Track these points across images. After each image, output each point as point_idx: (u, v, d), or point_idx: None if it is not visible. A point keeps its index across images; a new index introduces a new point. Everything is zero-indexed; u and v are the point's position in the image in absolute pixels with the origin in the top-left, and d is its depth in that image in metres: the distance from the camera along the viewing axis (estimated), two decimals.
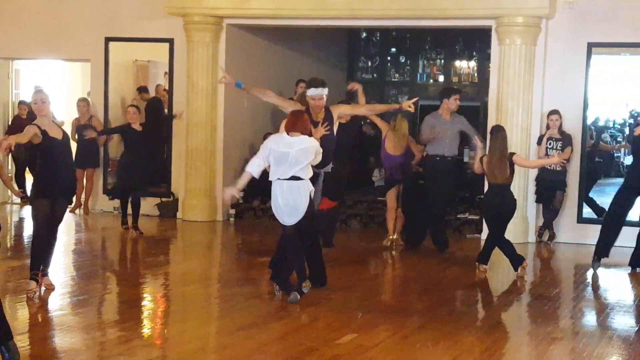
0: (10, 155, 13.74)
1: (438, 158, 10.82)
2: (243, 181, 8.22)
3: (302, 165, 7.97)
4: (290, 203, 7.99)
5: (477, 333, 7.30)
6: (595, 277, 9.86)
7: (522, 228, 11.82)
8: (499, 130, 9.63)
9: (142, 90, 14.44)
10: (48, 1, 13.96)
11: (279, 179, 8.01)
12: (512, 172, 9.57)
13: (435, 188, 10.85)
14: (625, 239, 10.21)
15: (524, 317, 8.25)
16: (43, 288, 8.10)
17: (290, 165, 7.95)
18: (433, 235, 11.09)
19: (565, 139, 11.69)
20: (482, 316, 8.31)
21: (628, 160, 13.13)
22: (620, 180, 10.98)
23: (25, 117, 13.67)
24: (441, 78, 16.80)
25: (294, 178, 7.97)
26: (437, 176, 10.82)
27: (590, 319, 8.25)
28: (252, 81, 13.79)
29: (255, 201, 13.38)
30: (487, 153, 9.61)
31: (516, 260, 9.64)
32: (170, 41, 13.47)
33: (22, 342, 6.35)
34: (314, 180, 8.27)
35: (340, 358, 6.41)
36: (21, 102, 14.56)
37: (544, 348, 6.92)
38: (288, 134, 8.07)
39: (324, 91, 8.49)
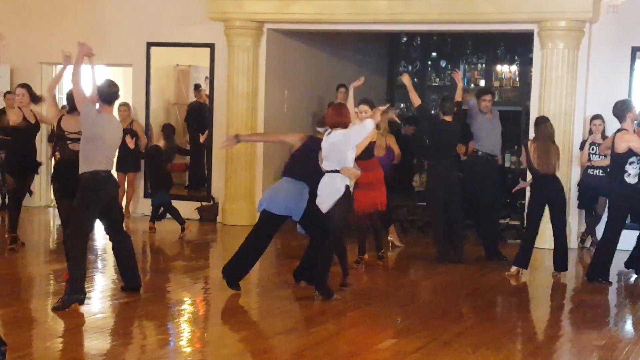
0: None
1: (489, 157, 10.82)
2: None
3: (330, 160, 8.07)
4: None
5: (518, 340, 7.23)
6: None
7: None
8: (545, 120, 9.83)
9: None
10: (90, 7, 14.09)
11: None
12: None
13: (487, 189, 10.78)
14: None
15: (566, 324, 8.15)
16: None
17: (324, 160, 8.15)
18: (488, 240, 10.99)
19: None
20: (523, 323, 8.23)
21: None
22: None
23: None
24: (482, 82, 16.67)
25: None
26: (489, 175, 10.74)
27: (633, 326, 8.12)
28: (292, 86, 13.94)
29: None
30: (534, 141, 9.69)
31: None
32: (211, 46, 13.54)
33: (62, 344, 6.39)
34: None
35: None
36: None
37: (586, 356, 6.83)
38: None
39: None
